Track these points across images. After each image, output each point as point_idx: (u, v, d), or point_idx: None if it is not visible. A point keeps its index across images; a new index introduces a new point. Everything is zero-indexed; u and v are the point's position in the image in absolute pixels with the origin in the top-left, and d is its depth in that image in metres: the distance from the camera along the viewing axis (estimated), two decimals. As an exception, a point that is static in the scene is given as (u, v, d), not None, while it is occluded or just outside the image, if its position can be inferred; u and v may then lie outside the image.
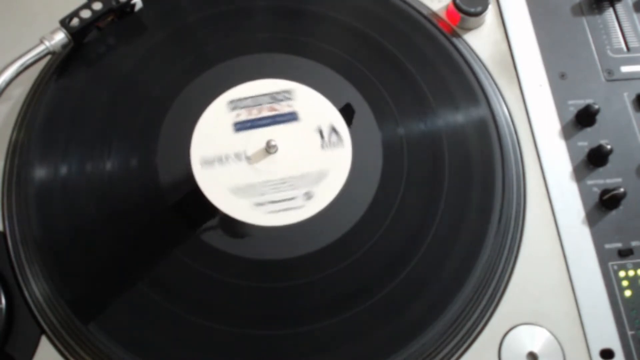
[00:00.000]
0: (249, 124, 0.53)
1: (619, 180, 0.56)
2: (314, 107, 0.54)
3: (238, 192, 0.51)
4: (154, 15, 0.60)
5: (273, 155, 0.53)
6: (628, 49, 0.62)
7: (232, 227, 0.51)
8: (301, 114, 0.53)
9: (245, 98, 0.54)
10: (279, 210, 0.51)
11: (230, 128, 0.53)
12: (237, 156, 0.53)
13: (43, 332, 0.48)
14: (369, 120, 0.56)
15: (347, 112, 0.55)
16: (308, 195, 0.51)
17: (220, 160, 0.52)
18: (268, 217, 0.50)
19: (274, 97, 0.53)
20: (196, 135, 0.53)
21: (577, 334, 0.50)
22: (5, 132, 0.55)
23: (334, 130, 0.52)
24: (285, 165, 0.53)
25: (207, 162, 0.52)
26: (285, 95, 0.53)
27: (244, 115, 0.53)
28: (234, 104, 0.53)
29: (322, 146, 0.52)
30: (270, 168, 0.52)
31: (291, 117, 0.53)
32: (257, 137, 0.53)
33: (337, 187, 0.52)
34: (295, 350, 0.48)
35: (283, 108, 0.53)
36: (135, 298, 0.48)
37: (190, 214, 0.51)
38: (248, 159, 0.53)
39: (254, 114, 0.53)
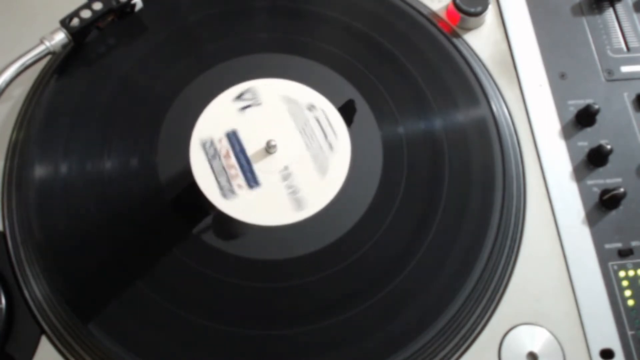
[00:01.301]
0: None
1: (619, 180, 0.56)
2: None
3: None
4: (154, 15, 0.60)
5: (272, 155, 0.53)
6: (628, 49, 0.62)
7: (232, 227, 0.51)
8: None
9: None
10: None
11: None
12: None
13: (43, 332, 0.48)
14: (369, 120, 0.56)
15: (348, 111, 0.55)
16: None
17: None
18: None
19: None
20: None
21: (577, 334, 0.50)
22: (5, 132, 0.55)
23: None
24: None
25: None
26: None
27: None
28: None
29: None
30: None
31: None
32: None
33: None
34: (295, 350, 0.48)
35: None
36: (135, 298, 0.48)
37: (190, 214, 0.52)
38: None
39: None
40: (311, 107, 0.55)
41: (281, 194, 0.52)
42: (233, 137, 0.52)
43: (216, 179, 0.52)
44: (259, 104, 0.55)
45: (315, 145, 0.54)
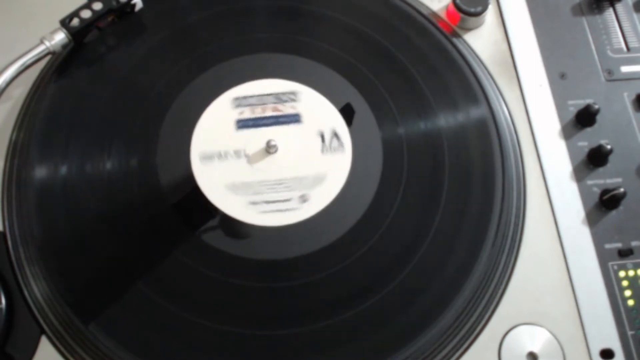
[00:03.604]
0: (251, 123, 0.53)
1: (619, 180, 0.56)
2: (317, 110, 0.54)
3: (234, 190, 0.51)
4: (154, 15, 0.60)
5: (273, 156, 0.53)
6: (628, 49, 0.62)
7: (232, 227, 0.51)
8: (304, 117, 0.53)
9: (250, 96, 0.54)
10: (273, 212, 0.50)
11: (232, 125, 0.53)
12: (237, 154, 0.52)
13: (43, 332, 0.48)
14: (369, 121, 0.56)
15: (347, 112, 0.55)
16: (303, 198, 0.51)
17: (220, 156, 0.52)
18: (261, 216, 0.50)
19: (279, 98, 0.53)
20: (197, 131, 0.53)
21: (577, 334, 0.50)
22: (5, 132, 0.55)
23: (335, 135, 0.52)
24: (284, 166, 0.52)
25: (207, 157, 0.52)
26: (290, 97, 0.53)
27: (247, 114, 0.53)
28: (239, 102, 0.53)
29: (323, 150, 0.52)
30: (269, 168, 0.52)
31: (294, 118, 0.53)
32: (258, 137, 0.53)
33: (337, 187, 0.52)
34: (295, 350, 0.48)
35: (287, 109, 0.53)
36: (135, 298, 0.48)
37: (190, 214, 0.52)
38: (247, 157, 0.52)
39: (258, 112, 0.53)
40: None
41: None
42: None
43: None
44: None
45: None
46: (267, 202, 0.51)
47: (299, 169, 0.52)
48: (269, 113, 0.53)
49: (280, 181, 0.52)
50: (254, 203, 0.51)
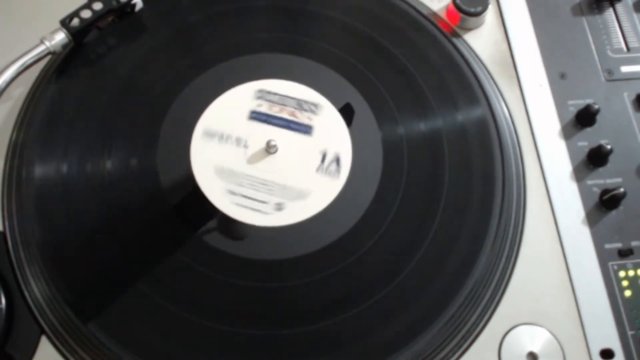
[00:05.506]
0: (264, 118, 0.53)
1: (619, 180, 0.56)
2: (331, 130, 0.53)
3: (220, 173, 0.50)
4: (154, 15, 0.60)
5: (272, 156, 0.53)
6: (628, 49, 0.62)
7: (233, 228, 0.51)
8: (316, 131, 0.52)
9: (274, 93, 0.53)
10: (246, 207, 0.50)
11: (246, 114, 0.53)
12: (238, 141, 0.52)
13: (43, 332, 0.48)
14: (369, 121, 0.56)
15: (347, 112, 0.55)
16: (279, 207, 0.50)
17: (221, 137, 0.51)
18: (232, 207, 0.49)
19: (300, 105, 0.53)
20: (211, 107, 0.52)
21: (577, 334, 0.50)
22: (5, 132, 0.55)
23: (336, 160, 0.51)
24: (275, 170, 0.52)
25: (209, 134, 0.51)
26: (311, 107, 0.53)
27: (264, 108, 0.53)
28: (262, 94, 0.53)
29: (318, 169, 0.51)
30: (261, 166, 0.52)
31: (305, 129, 0.52)
32: (264, 134, 0.53)
33: (315, 208, 0.50)
34: (295, 350, 0.48)
35: (303, 118, 0.53)
36: (134, 298, 0.48)
37: (190, 213, 0.52)
38: (246, 148, 0.52)
39: (275, 111, 0.53)
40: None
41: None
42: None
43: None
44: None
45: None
46: (245, 196, 0.50)
47: (288, 178, 0.51)
48: (284, 115, 0.53)
49: (265, 182, 0.51)
50: (232, 193, 0.50)
